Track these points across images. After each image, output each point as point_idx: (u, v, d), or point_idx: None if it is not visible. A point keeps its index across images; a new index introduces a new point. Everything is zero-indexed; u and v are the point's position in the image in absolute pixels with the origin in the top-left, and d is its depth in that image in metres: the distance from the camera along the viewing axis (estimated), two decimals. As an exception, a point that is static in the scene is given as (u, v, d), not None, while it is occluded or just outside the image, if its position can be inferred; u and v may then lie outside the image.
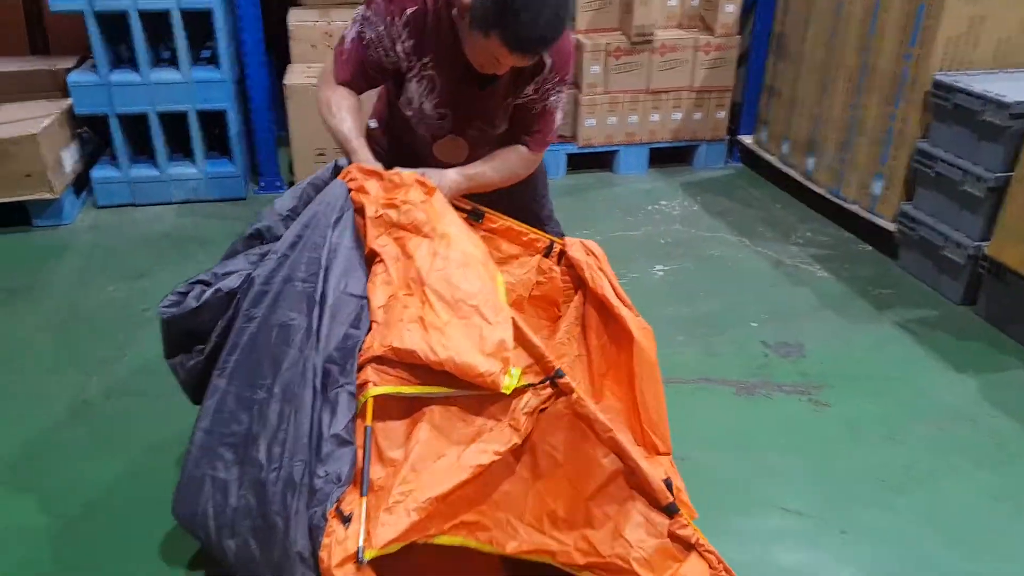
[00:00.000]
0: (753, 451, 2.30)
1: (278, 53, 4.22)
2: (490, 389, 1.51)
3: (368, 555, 1.35)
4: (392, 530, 1.39)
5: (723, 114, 4.47)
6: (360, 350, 1.52)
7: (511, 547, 1.57)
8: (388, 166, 1.77)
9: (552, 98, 1.91)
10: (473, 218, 1.84)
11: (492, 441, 1.53)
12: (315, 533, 1.39)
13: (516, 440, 1.54)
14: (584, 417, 1.57)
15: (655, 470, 1.60)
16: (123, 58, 3.86)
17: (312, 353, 1.51)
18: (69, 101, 3.77)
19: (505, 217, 1.90)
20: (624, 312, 1.77)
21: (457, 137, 1.96)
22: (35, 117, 3.61)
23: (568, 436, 1.60)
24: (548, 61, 1.82)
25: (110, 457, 2.24)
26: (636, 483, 1.57)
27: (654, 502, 1.56)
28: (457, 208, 1.79)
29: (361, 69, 1.85)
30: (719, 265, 3.41)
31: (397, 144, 2.05)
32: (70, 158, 3.78)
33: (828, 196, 3.79)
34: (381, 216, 1.66)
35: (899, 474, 2.23)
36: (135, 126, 3.90)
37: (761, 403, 2.51)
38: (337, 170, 1.78)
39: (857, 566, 1.94)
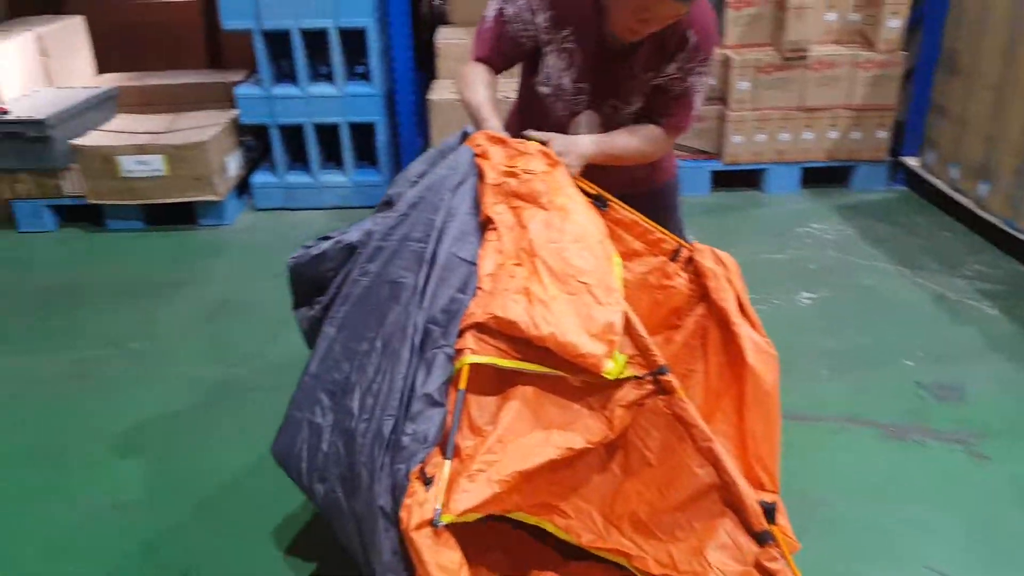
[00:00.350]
0: (899, 501, 2.12)
1: (428, 69, 4.34)
2: (591, 372, 1.44)
3: (444, 519, 1.31)
4: (471, 498, 1.34)
5: (884, 134, 4.21)
6: (463, 315, 1.49)
7: (587, 539, 1.51)
8: None
9: (692, 79, 1.84)
10: (597, 205, 1.76)
11: (584, 430, 1.46)
12: (397, 491, 1.37)
13: (609, 434, 1.47)
14: (682, 420, 1.48)
15: (755, 493, 1.48)
16: (285, 72, 4.10)
17: (416, 311, 1.51)
18: (236, 111, 4.05)
19: (632, 210, 1.80)
20: (743, 331, 1.64)
21: (593, 113, 1.93)
22: (205, 126, 3.90)
23: (664, 438, 1.51)
24: (692, 39, 1.78)
25: (245, 446, 2.35)
26: (730, 500, 1.46)
27: (746, 525, 1.44)
28: (581, 192, 1.73)
29: (498, 46, 1.87)
30: (874, 296, 3.19)
31: None
32: (234, 164, 4.05)
33: (1003, 227, 3.46)
34: (500, 184, 1.63)
35: (1074, 545, 1.97)
36: (292, 136, 4.13)
37: (911, 449, 2.31)
38: (465, 136, 1.78)
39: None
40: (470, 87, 1.86)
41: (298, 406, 1.65)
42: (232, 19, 3.80)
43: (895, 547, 1.97)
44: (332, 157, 4.22)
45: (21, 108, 3.75)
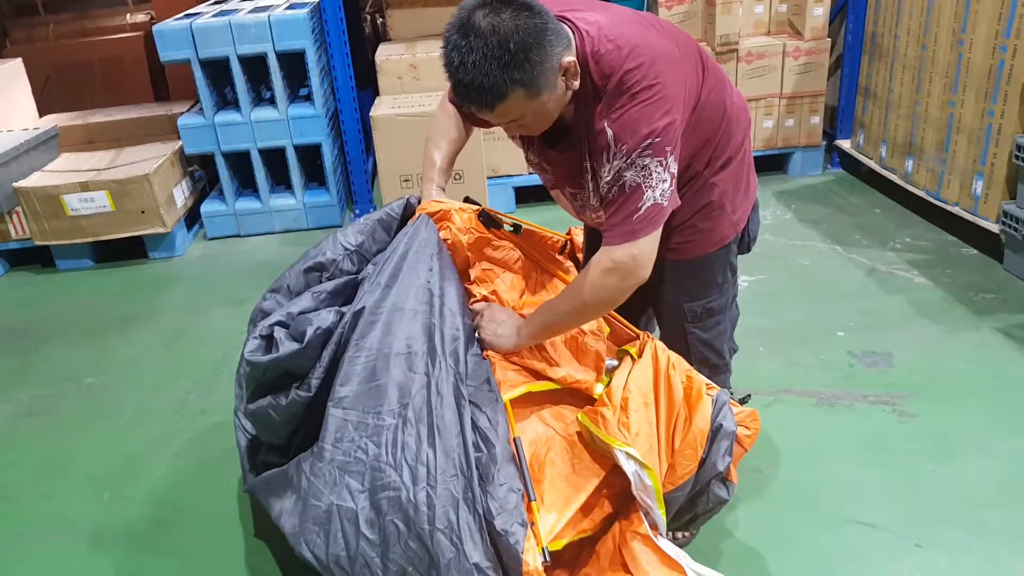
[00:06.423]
0: (830, 463, 2.21)
1: (374, 86, 4.41)
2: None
3: (552, 547, 1.52)
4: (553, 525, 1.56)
5: (817, 120, 4.33)
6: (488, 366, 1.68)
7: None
8: None
9: (628, 174, 1.50)
10: (514, 232, 1.86)
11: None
12: (507, 540, 1.45)
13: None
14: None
15: None
16: (230, 100, 4.15)
17: (442, 374, 1.58)
18: (181, 142, 4.08)
19: (538, 226, 1.94)
20: None
21: (560, 192, 1.81)
22: (149, 159, 3.94)
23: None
24: (609, 132, 1.50)
25: (199, 468, 2.40)
26: None
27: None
28: (499, 225, 1.84)
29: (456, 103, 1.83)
30: (808, 274, 3.29)
31: None
32: (181, 195, 4.09)
33: (928, 199, 3.59)
34: (475, 244, 1.81)
35: (988, 489, 2.07)
36: (241, 162, 4.17)
37: (842, 414, 2.40)
38: (409, 207, 1.85)
39: (935, 583, 1.83)
40: (432, 138, 1.85)
41: (317, 495, 1.57)
42: (170, 51, 3.84)
43: (824, 505, 2.06)
44: (283, 181, 4.26)
45: (-39, 154, 3.75)
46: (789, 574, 1.87)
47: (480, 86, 1.41)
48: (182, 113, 4.22)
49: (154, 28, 3.84)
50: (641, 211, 1.51)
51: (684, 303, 1.86)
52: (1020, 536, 1.92)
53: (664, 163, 1.50)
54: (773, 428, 2.32)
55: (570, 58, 1.47)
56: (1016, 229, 3.02)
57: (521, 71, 1.40)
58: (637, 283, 1.57)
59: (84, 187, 3.70)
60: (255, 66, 4.00)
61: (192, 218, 4.24)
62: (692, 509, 1.70)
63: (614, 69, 1.49)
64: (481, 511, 1.48)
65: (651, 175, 1.50)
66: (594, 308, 1.63)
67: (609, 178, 1.54)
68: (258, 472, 1.81)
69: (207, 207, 4.18)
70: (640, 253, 1.53)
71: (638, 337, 1.74)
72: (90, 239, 3.83)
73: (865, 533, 1.96)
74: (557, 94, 1.50)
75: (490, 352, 1.70)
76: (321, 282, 1.83)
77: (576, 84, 1.51)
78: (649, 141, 1.48)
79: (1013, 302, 2.94)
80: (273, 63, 3.90)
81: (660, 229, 1.54)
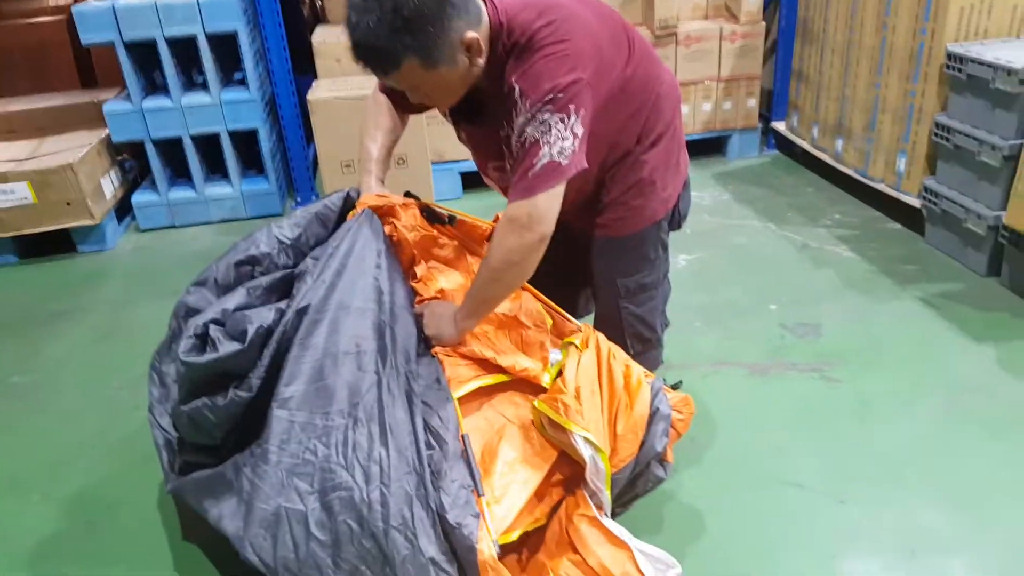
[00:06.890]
0: (762, 429, 2.28)
1: (313, 69, 4.32)
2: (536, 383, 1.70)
3: (500, 540, 1.52)
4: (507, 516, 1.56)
5: (754, 102, 4.40)
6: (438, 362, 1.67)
7: None
8: None
9: (529, 129, 1.48)
10: (451, 224, 1.85)
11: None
12: (461, 531, 1.45)
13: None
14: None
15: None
16: (159, 85, 4.02)
17: (392, 372, 1.56)
18: (108, 130, 3.95)
19: (467, 215, 1.90)
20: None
21: (486, 173, 1.85)
22: (74, 147, 3.79)
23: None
24: (517, 89, 1.49)
25: (131, 465, 2.33)
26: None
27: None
28: (442, 220, 1.83)
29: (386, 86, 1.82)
30: (744, 252, 3.36)
31: None
32: (110, 185, 3.96)
33: (857, 177, 3.69)
34: (421, 242, 1.80)
35: (906, 446, 2.18)
36: (174, 150, 4.05)
37: (773, 382, 2.48)
38: (349, 200, 1.81)
39: (851, 533, 1.92)
40: (367, 130, 1.82)
41: (263, 499, 1.50)
42: (91, 33, 3.69)
43: (756, 469, 2.13)
44: (219, 169, 4.16)
45: None
46: (724, 534, 1.93)
47: (372, 48, 1.41)
48: (109, 100, 4.09)
49: (73, 8, 3.70)
50: (536, 167, 1.47)
51: (618, 279, 1.88)
52: (933, 489, 2.04)
53: (566, 121, 1.46)
54: (709, 399, 2.38)
55: (473, 34, 1.46)
56: (936, 203, 3.13)
57: (413, 38, 1.39)
58: (536, 239, 1.52)
59: (3, 178, 3.55)
60: (186, 49, 3.89)
61: (123, 209, 4.11)
62: (633, 490, 1.74)
63: (525, 29, 1.49)
64: (434, 506, 1.48)
65: (550, 131, 1.45)
66: (506, 271, 1.57)
67: (516, 136, 1.51)
68: (182, 472, 1.73)
69: (138, 197, 4.05)
70: (535, 210, 1.49)
71: (580, 330, 1.76)
72: (11, 233, 3.67)
73: (794, 493, 2.05)
74: (459, 69, 1.49)
75: (438, 348, 1.69)
76: (254, 276, 1.76)
77: (481, 62, 1.51)
78: (552, 96, 1.45)
79: (933, 273, 3.06)
80: (204, 46, 3.79)
81: (560, 188, 1.50)
